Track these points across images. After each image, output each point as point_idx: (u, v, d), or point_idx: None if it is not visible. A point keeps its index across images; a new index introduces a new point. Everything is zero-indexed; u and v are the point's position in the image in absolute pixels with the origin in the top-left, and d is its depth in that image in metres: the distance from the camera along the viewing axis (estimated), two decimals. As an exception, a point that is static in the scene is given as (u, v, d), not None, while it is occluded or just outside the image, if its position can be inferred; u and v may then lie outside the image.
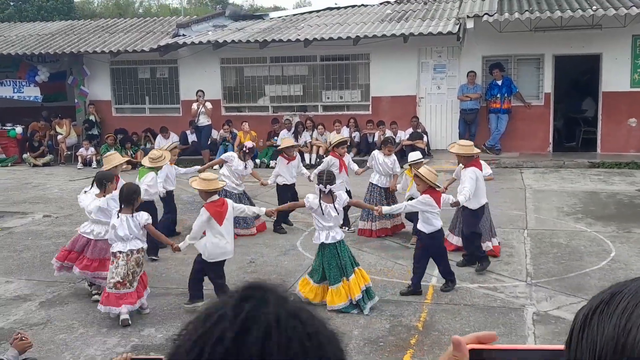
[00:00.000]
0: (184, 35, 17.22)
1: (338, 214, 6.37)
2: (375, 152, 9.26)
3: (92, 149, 16.88)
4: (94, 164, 16.48)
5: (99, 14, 33.67)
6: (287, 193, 9.38)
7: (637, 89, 14.82)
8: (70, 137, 17.68)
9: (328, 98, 16.84)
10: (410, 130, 15.26)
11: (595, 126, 15.67)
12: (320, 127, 15.86)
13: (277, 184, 9.45)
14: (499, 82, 15.12)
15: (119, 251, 6.11)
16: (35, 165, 17.02)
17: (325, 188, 6.30)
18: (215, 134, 16.47)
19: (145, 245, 6.36)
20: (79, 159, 16.77)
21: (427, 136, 15.35)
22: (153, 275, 7.53)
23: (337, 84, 16.71)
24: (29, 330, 5.81)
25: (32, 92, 17.99)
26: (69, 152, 17.46)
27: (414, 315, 6.10)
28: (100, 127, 17.87)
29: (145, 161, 8.54)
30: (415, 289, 6.61)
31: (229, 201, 6.58)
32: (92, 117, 17.72)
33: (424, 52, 15.99)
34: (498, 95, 15.16)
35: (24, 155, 17.49)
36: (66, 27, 20.32)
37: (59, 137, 17.48)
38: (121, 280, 6.03)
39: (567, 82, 16.61)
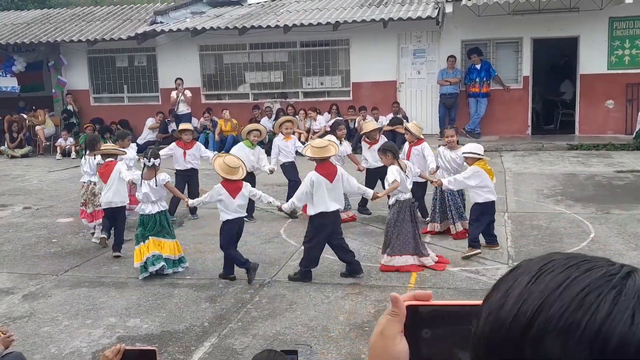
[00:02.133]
0: (161, 22, 17.05)
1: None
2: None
3: (70, 139, 16.70)
4: (73, 154, 16.32)
5: (75, 2, 33.19)
6: (375, 176, 9.00)
7: (614, 71, 14.98)
8: (48, 128, 17.48)
9: (309, 84, 16.80)
10: (391, 115, 15.29)
11: (573, 108, 15.84)
12: (301, 112, 15.83)
13: (367, 169, 9.28)
14: (478, 67, 15.20)
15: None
16: (13, 157, 16.81)
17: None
18: (195, 122, 16.37)
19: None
20: (58, 149, 16.59)
21: (407, 121, 15.37)
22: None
23: (317, 70, 16.67)
24: (12, 323, 5.78)
25: (8, 83, 17.71)
26: (47, 143, 17.26)
27: (398, 299, 6.15)
28: (79, 116, 17.68)
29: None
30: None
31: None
32: (70, 107, 17.52)
33: (404, 37, 16.00)
34: (477, 80, 15.24)
35: (2, 147, 17.26)
36: (42, 15, 20.02)
37: (37, 127, 17.27)
38: None
39: (546, 65, 16.74)
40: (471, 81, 15.31)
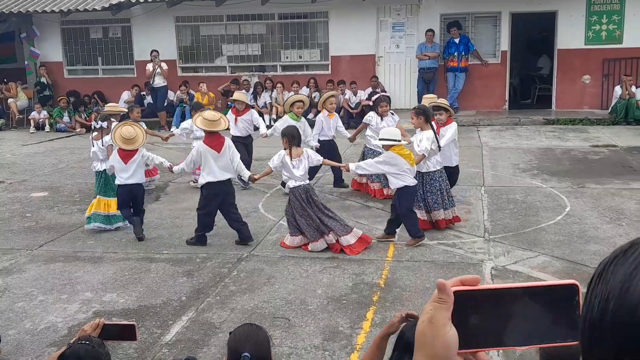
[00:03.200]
0: (136, -7, 16.69)
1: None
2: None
3: (44, 112, 16.40)
4: (47, 128, 16.05)
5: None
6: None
7: (591, 46, 15.05)
8: (21, 100, 17.13)
9: (287, 58, 16.64)
10: (370, 89, 15.23)
11: (550, 83, 15.92)
12: (279, 86, 15.70)
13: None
14: (457, 41, 15.16)
15: None
16: (-15, 130, 16.48)
17: None
18: (171, 96, 16.16)
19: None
20: (32, 122, 16.28)
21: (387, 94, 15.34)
22: (112, 240, 7.47)
23: (295, 43, 16.51)
24: (-14, 298, 5.70)
25: (-22, 54, 17.31)
26: (20, 116, 16.93)
27: (375, 273, 6.19)
28: (53, 89, 17.36)
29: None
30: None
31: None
32: (43, 79, 17.18)
33: (383, 11, 15.88)
34: (455, 54, 15.22)
35: (-27, 120, 16.91)
36: (12, -15, 19.46)
37: (9, 100, 16.92)
38: None
39: (524, 40, 16.76)
40: (450, 55, 15.28)
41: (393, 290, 5.77)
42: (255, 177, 7.25)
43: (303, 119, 9.13)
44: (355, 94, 15.07)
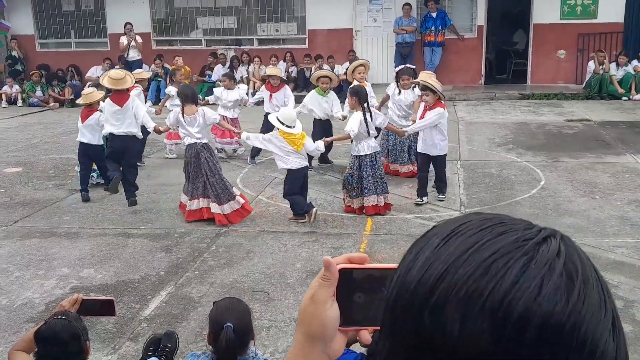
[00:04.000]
0: (109, -36, 16.34)
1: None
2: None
3: (16, 87, 16.08)
4: (19, 102, 15.76)
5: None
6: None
7: (566, 21, 15.14)
8: (-9, 75, 16.78)
9: (263, 31, 16.48)
10: (347, 64, 15.16)
11: (525, 58, 16.01)
12: (256, 59, 15.56)
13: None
14: (434, 15, 15.14)
15: None
16: (-46, 105, 16.13)
17: None
18: (146, 69, 15.92)
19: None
20: (3, 97, 15.96)
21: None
22: (89, 215, 7.41)
23: (272, 17, 16.34)
24: (-39, 275, 5.64)
25: (-54, 27, 16.86)
26: (-9, 91, 16.59)
27: (354, 246, 6.24)
28: (24, 63, 17.00)
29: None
30: None
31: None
32: (14, 53, 16.82)
33: (360, -16, 15.77)
34: (432, 28, 15.20)
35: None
36: (-21, -46, 18.92)
37: (-21, 74, 16.57)
38: None
39: (500, 14, 16.79)
40: (427, 30, 15.27)
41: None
42: (161, 128, 7.62)
43: (332, 92, 9.14)
44: (332, 68, 14.98)
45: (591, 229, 6.50)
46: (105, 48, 16.92)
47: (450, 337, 0.65)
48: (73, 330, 2.65)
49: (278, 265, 5.84)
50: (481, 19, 15.51)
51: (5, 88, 16.09)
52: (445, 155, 7.50)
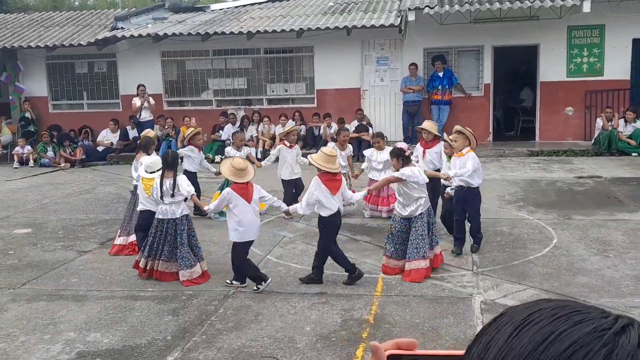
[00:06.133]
0: (122, 28, 16.77)
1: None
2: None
3: (28, 147, 16.30)
4: (31, 163, 15.94)
5: (33, 7, 32.48)
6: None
7: (573, 78, 15.29)
8: (5, 136, 17.04)
9: (273, 91, 16.73)
10: (356, 122, 15.32)
11: (533, 115, 16.11)
12: (266, 119, 15.75)
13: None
14: (440, 74, 15.34)
15: None
16: (-32, 166, 16.33)
17: None
18: (157, 130, 16.13)
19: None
20: (15, 157, 16.17)
21: (372, 128, 15.45)
22: (97, 277, 7.35)
23: (281, 77, 16.61)
24: (-34, 340, 5.55)
25: (-37, 89, 17.25)
26: (4, 151, 16.82)
27: (364, 308, 6.12)
28: (37, 124, 17.28)
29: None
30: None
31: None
32: (27, 114, 17.12)
33: (367, 45, 16.06)
34: (439, 87, 15.38)
35: (-44, 156, 16.76)
36: (-2, 20, 19.53)
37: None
38: None
39: (506, 72, 17.00)
40: (434, 89, 15.45)
41: (382, 327, 5.70)
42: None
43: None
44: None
45: (606, 289, 6.35)
46: (117, 109, 17.20)
47: None
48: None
49: (287, 328, 5.72)
50: (488, 77, 15.69)
51: (17, 149, 16.30)
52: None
